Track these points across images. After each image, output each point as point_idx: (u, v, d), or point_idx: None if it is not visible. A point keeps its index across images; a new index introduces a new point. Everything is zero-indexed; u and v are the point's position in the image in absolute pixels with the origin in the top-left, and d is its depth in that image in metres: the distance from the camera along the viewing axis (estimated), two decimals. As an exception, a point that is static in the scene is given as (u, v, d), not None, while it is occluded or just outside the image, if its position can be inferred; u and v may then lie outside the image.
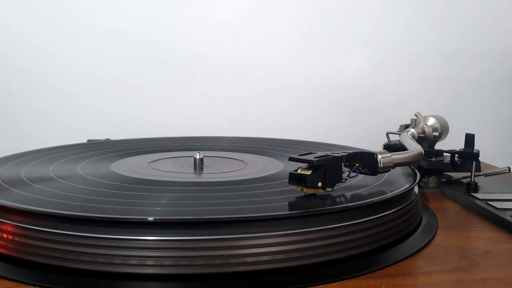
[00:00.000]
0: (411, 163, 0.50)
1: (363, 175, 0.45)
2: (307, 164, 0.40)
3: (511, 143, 0.99)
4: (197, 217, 0.35)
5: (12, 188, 0.43)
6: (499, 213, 0.47)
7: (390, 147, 0.64)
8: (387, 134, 0.68)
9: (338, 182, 0.42)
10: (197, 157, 0.56)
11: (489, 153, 0.72)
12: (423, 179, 0.60)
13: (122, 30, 0.86)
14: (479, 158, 0.58)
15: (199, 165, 0.56)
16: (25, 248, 0.35)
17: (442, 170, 0.61)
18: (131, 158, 0.60)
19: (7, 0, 0.82)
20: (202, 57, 0.88)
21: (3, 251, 0.36)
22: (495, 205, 0.49)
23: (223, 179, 0.49)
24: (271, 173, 0.52)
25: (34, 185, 0.45)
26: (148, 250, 0.33)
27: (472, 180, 0.56)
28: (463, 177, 0.60)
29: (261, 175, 0.51)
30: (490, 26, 0.94)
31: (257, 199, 0.41)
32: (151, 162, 0.58)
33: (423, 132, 0.63)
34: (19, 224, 0.36)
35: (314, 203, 0.40)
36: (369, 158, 0.44)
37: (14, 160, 0.56)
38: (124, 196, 0.42)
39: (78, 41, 0.85)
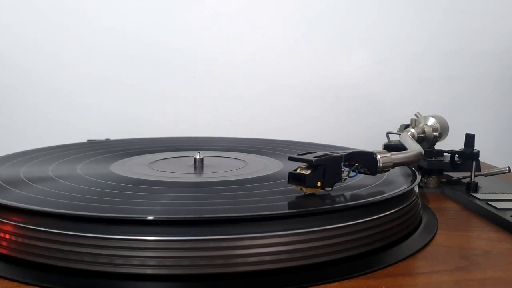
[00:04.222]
0: (411, 163, 0.50)
1: (362, 175, 0.45)
2: (306, 164, 0.40)
3: (511, 143, 0.99)
4: (197, 216, 0.35)
5: (11, 188, 0.43)
6: (499, 213, 0.47)
7: (390, 147, 0.64)
8: (387, 134, 0.68)
9: (337, 182, 0.42)
10: (197, 157, 0.56)
11: (489, 153, 0.72)
12: (423, 179, 0.60)
13: (122, 30, 0.86)
14: (479, 158, 0.58)
15: (199, 165, 0.56)
16: (25, 248, 0.35)
17: (442, 170, 0.61)
18: (131, 158, 0.60)
19: (7, 0, 0.82)
20: (202, 57, 0.88)
21: (3, 251, 0.36)
22: (495, 205, 0.49)
23: (223, 179, 0.49)
24: (271, 172, 0.52)
25: (34, 184, 0.45)
26: (149, 251, 0.33)
27: (472, 180, 0.56)
28: (463, 177, 0.60)
29: (261, 175, 0.51)
30: (490, 26, 0.94)
31: (257, 199, 0.41)
32: (151, 162, 0.58)
33: (423, 132, 0.63)
34: (19, 224, 0.36)
35: (314, 202, 0.40)
36: (368, 158, 0.44)
37: (13, 160, 0.56)
38: (124, 196, 0.42)
39: (78, 41, 0.85)
